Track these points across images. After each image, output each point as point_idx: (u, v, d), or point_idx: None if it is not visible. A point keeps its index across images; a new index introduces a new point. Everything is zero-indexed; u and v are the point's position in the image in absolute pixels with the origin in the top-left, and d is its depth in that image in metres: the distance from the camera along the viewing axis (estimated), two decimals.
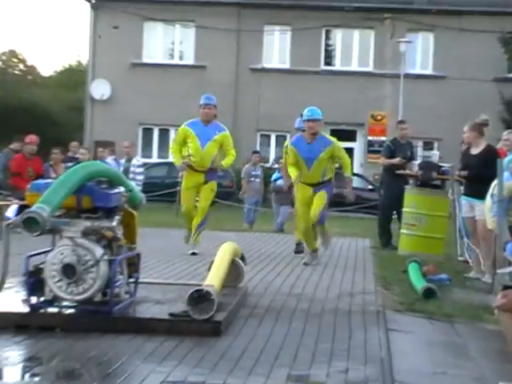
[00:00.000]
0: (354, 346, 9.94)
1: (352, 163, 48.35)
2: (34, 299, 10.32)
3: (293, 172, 16.76)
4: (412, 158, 21.85)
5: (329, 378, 8.29)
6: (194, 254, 17.56)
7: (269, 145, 48.79)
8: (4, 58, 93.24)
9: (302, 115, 17.64)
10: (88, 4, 51.94)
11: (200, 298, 10.06)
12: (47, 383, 7.72)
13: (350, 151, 50.64)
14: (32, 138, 23.93)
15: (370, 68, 50.66)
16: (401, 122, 23.65)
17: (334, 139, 16.79)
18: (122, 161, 27.06)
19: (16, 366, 8.60)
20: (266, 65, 51.39)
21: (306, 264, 17.24)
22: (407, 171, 20.82)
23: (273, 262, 17.87)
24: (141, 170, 26.74)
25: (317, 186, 16.28)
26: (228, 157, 17.93)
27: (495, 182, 13.93)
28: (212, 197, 18.30)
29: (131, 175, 24.83)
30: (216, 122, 18.25)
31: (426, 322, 11.59)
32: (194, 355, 9.04)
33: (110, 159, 25.36)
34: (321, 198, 16.24)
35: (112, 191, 10.77)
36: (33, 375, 8.26)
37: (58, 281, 10.14)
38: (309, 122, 16.36)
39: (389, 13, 49.23)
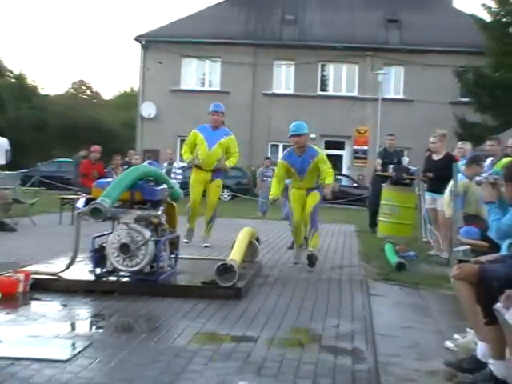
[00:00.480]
0: (343, 307, 10.01)
1: (340, 169, 48.88)
2: (98, 270, 10.51)
3: (275, 188, 14.52)
4: (399, 162, 21.75)
5: (324, 331, 8.35)
6: (206, 247, 16.20)
7: (277, 152, 48.64)
8: (75, 86, 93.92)
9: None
10: (139, 44, 51.99)
11: (225, 269, 10.17)
12: (109, 334, 7.78)
13: (339, 157, 50.76)
14: (96, 147, 24.10)
15: (355, 93, 50.54)
16: (389, 134, 23.48)
17: (320, 151, 15.06)
18: (165, 164, 27.15)
19: (85, 320, 8.73)
20: (276, 90, 51.28)
21: (295, 263, 14.32)
22: (384, 173, 20.79)
23: (280, 243, 17.98)
24: (180, 171, 26.89)
25: (310, 189, 14.42)
26: (232, 157, 16.99)
27: (452, 181, 13.99)
28: (219, 193, 17.51)
29: (172, 175, 24.91)
30: (224, 127, 17.18)
31: (397, 289, 11.63)
32: (220, 314, 9.11)
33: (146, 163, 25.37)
34: (314, 196, 14.20)
35: (157, 188, 11.04)
36: (98, 328, 8.39)
37: (116, 256, 10.29)
38: (294, 137, 14.53)
39: (369, 51, 49.21)
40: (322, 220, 26.44)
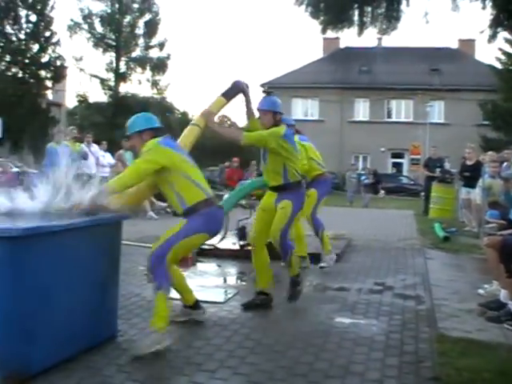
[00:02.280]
0: (408, 267, 9.92)
1: (402, 171, 48.44)
2: (241, 242, 10.52)
3: None
4: (441, 166, 21.42)
5: (395, 283, 8.31)
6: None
7: (359, 161, 48.34)
8: (220, 118, 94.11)
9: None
10: (262, 89, 52.18)
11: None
12: (250, 285, 7.79)
13: (401, 164, 50.28)
14: (235, 159, 24.25)
15: (411, 119, 49.92)
16: (433, 146, 23.59)
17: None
18: None
19: (233, 276, 8.89)
20: (356, 119, 51.01)
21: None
22: (433, 174, 20.53)
23: (362, 222, 17.84)
24: None
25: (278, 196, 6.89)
26: None
27: (481, 179, 13.86)
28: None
29: None
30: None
31: (444, 254, 11.44)
32: (325, 272, 9.13)
33: None
34: (281, 211, 6.65)
35: None
36: (242, 280, 8.46)
37: (237, 235, 10.40)
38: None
39: (420, 90, 48.57)
40: (388, 207, 26.34)
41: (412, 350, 5.28)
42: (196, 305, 6.03)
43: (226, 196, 10.27)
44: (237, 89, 6.85)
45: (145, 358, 4.83)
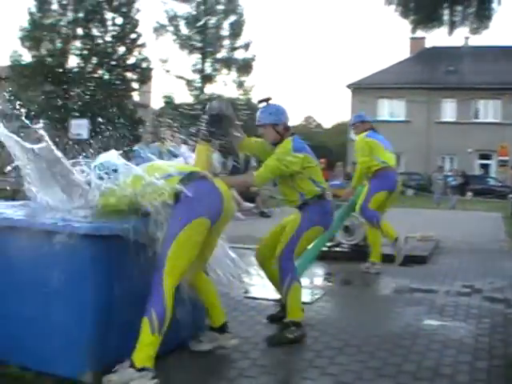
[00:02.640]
0: (496, 269, 9.77)
1: (489, 173, 47.51)
2: (328, 244, 10.39)
3: None
4: None
5: (483, 286, 8.21)
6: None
7: (445, 162, 47.74)
8: (305, 118, 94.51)
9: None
10: (349, 90, 52.08)
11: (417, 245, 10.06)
12: (336, 286, 7.84)
13: (489, 165, 49.34)
14: (322, 160, 24.22)
15: (498, 120, 49.00)
16: None
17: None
18: None
19: (320, 277, 8.86)
20: (443, 119, 50.36)
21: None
22: None
23: (450, 224, 17.62)
24: None
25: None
26: None
27: None
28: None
29: None
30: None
31: None
32: (412, 274, 9.09)
33: None
34: (291, 224, 5.84)
35: None
36: (329, 281, 8.49)
37: (343, 233, 10.40)
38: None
39: (507, 90, 47.61)
40: (475, 209, 25.93)
41: (501, 354, 5.25)
42: (224, 327, 5.03)
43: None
44: (220, 119, 5.55)
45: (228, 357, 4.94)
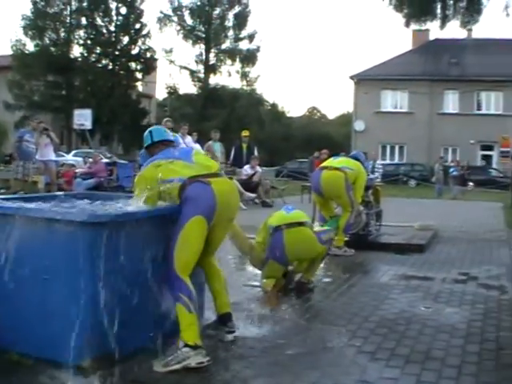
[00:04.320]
0: (493, 258, 9.89)
1: (491, 164, 47.46)
2: None
3: None
4: None
5: (479, 273, 8.30)
6: None
7: (448, 153, 47.79)
8: (310, 110, 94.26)
9: None
10: (352, 81, 52.02)
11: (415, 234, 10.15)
12: (336, 273, 7.89)
13: (490, 156, 49.32)
14: (325, 151, 24.26)
15: (500, 112, 48.95)
16: None
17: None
18: (371, 162, 27.03)
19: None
20: (445, 111, 50.30)
21: None
22: None
23: (450, 214, 17.67)
24: (380, 167, 26.61)
25: None
26: None
27: None
28: None
29: (376, 169, 24.72)
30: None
31: None
32: (409, 262, 9.20)
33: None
34: None
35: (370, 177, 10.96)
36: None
37: None
38: None
39: (510, 82, 47.54)
40: (474, 199, 25.95)
41: (493, 338, 5.32)
42: (224, 318, 5.04)
43: None
44: None
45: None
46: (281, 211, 6.96)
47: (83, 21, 49.44)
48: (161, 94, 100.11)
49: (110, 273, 4.19)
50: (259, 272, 7.00)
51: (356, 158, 10.27)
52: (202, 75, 53.73)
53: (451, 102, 50.78)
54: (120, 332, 4.24)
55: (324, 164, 10.21)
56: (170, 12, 53.06)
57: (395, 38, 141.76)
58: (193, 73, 53.66)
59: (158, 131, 5.21)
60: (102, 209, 5.01)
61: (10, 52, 47.48)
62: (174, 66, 53.91)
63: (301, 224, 6.75)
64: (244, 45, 53.81)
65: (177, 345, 4.37)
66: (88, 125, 31.62)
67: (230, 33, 53.66)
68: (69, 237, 4.15)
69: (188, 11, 53.07)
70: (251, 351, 4.79)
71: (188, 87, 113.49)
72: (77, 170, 21.85)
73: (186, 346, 4.33)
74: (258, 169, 19.45)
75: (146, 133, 5.18)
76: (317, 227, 7.21)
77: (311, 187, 10.50)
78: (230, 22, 53.53)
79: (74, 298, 4.14)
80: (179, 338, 4.40)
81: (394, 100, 52.29)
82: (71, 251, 4.15)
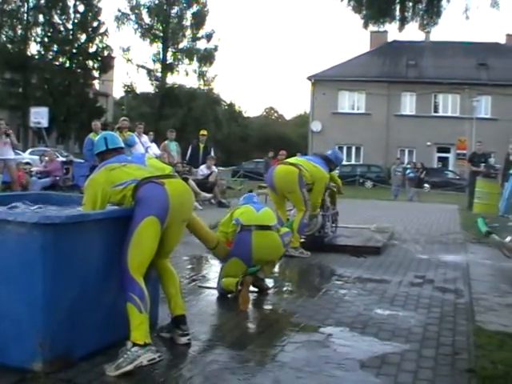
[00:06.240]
0: (449, 261, 9.91)
1: (448, 166, 48.02)
2: None
3: None
4: (486, 162, 21.27)
5: (436, 277, 8.34)
6: None
7: (404, 155, 48.19)
8: (267, 110, 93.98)
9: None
10: (309, 82, 52.16)
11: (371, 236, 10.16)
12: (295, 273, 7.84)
13: (447, 158, 49.96)
14: (283, 152, 24.24)
15: (457, 114, 49.52)
16: (478, 142, 23.48)
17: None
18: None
19: None
20: (403, 112, 50.69)
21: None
22: (478, 169, 20.47)
23: (406, 216, 17.75)
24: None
25: None
26: None
27: None
28: None
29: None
30: None
31: (486, 248, 11.33)
32: (366, 264, 9.17)
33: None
34: None
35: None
36: None
37: None
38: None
39: (466, 85, 48.16)
40: (431, 201, 26.17)
41: (449, 343, 5.29)
42: (178, 321, 5.00)
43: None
44: None
45: None
46: (249, 206, 6.84)
47: (40, 18, 49.04)
48: (118, 92, 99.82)
49: (63, 275, 4.15)
50: (216, 273, 6.92)
51: (327, 159, 10.30)
52: (159, 74, 53.54)
53: (408, 103, 51.27)
54: (73, 334, 4.23)
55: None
56: (127, 10, 52.77)
57: (353, 39, 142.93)
58: (150, 72, 53.45)
59: (112, 138, 5.18)
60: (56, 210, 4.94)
61: None
62: (131, 64, 53.81)
63: (269, 228, 6.68)
64: (202, 44, 53.83)
65: (126, 346, 4.32)
66: (44, 123, 31.18)
67: (188, 32, 53.57)
68: (20, 238, 4.09)
69: (146, 10, 52.85)
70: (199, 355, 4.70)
71: (145, 86, 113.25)
72: (32, 169, 21.59)
73: (135, 345, 4.30)
74: (214, 169, 19.37)
75: (100, 139, 5.13)
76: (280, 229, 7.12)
77: (266, 182, 10.47)
78: (187, 21, 53.46)
79: (25, 301, 4.09)
80: (129, 339, 4.34)
81: (351, 101, 52.60)
82: (23, 253, 4.09)
